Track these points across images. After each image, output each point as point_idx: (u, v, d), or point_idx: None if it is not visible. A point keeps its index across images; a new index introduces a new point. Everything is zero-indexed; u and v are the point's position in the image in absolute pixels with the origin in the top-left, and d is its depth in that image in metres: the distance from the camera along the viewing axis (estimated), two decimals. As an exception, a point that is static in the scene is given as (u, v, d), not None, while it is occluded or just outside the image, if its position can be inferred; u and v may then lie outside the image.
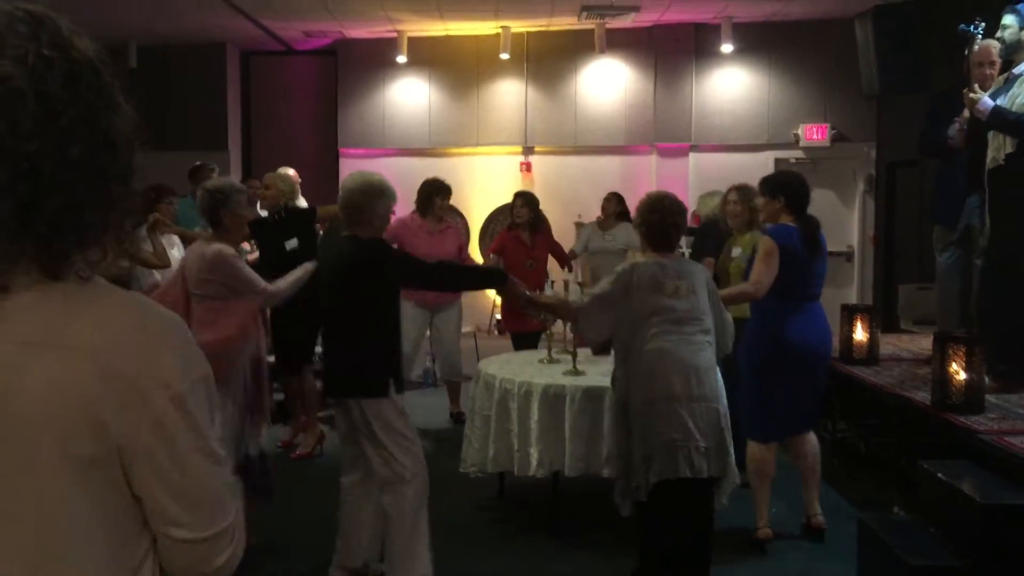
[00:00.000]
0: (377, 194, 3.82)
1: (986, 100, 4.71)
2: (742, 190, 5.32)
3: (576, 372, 4.67)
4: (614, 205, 7.69)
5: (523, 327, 6.61)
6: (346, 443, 3.98)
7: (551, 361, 5.02)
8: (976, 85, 4.83)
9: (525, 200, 7.12)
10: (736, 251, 5.27)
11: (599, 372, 4.67)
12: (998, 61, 5.29)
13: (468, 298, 8.13)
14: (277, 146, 11.12)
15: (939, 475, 3.95)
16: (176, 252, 5.82)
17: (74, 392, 1.08)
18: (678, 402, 3.58)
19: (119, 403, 1.09)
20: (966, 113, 5.12)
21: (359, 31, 10.53)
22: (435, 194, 6.63)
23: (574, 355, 4.79)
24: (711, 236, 6.00)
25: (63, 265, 1.10)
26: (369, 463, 3.81)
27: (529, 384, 4.49)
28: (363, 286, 3.74)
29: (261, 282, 4.11)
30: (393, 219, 4.17)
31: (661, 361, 3.62)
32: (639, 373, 3.67)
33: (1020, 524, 3.48)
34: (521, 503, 5.18)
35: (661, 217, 3.83)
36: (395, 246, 5.67)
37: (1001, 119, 4.66)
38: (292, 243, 5.87)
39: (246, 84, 11.54)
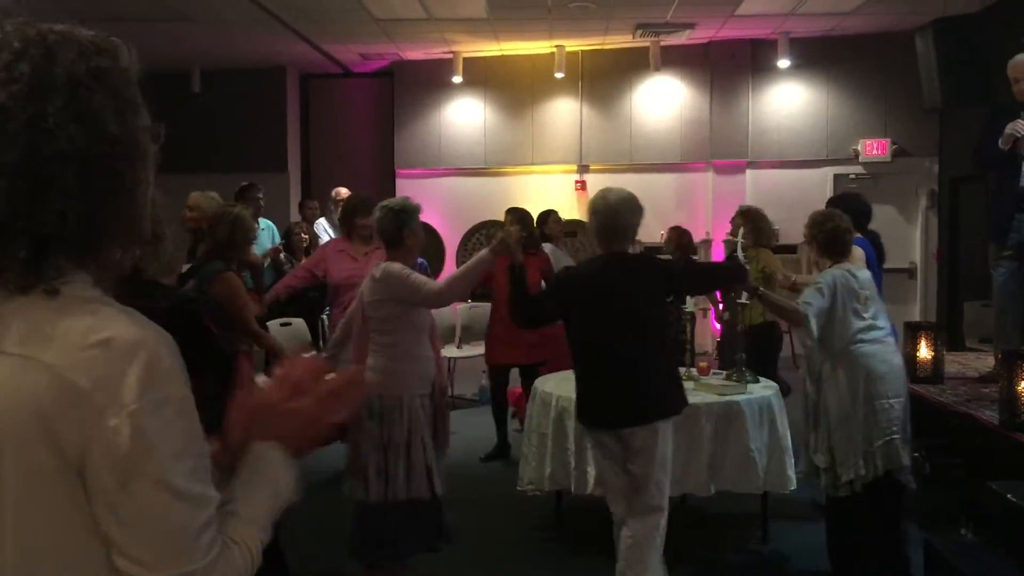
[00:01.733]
0: (637, 209, 3.85)
1: None
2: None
3: None
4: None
5: (509, 359, 6.47)
6: (614, 475, 3.79)
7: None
8: None
9: (515, 217, 6.29)
10: None
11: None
12: None
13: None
14: (335, 167, 11.31)
15: (1008, 496, 3.83)
16: None
17: (29, 403, 1.05)
18: (894, 398, 4.07)
19: (73, 417, 1.05)
20: (1017, 127, 5.03)
21: (415, 52, 10.66)
22: (353, 214, 5.65)
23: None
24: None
25: (21, 278, 1.09)
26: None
27: (586, 401, 4.47)
28: (659, 303, 3.80)
29: (430, 282, 3.97)
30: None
31: (873, 362, 4.06)
32: (854, 375, 4.06)
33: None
34: (578, 522, 5.15)
35: (835, 226, 4.18)
36: (321, 272, 5.62)
37: None
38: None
39: (305, 106, 11.75)
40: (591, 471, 4.41)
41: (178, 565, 1.09)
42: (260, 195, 7.54)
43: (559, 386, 4.83)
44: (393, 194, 11.27)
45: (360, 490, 3.85)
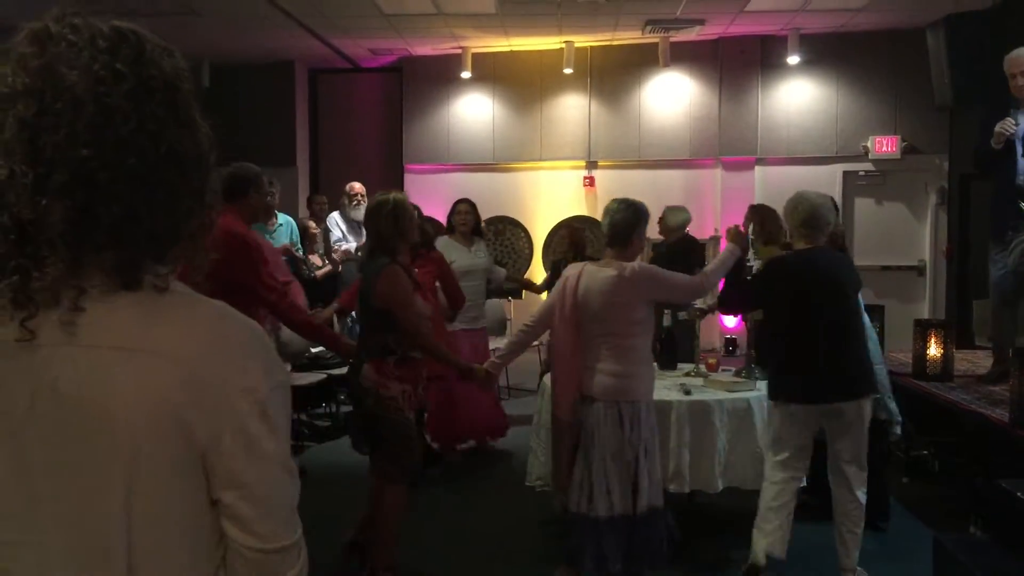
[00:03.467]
0: (831, 210, 4.23)
1: None
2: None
3: None
4: (475, 216, 6.72)
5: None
6: (803, 451, 4.13)
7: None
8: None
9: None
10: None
11: (663, 386, 4.64)
12: None
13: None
14: (344, 162, 11.31)
15: (1018, 494, 3.82)
16: None
17: (161, 396, 1.11)
18: (878, 364, 4.67)
19: (204, 409, 1.12)
20: (1007, 125, 5.03)
21: (424, 48, 10.66)
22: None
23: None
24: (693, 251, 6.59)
25: (132, 275, 1.13)
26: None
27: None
28: (852, 292, 4.12)
29: (685, 277, 4.06)
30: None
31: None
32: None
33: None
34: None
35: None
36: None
37: None
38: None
39: (314, 101, 11.75)
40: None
41: (289, 535, 1.20)
42: (274, 189, 7.55)
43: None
44: (401, 189, 11.28)
45: (581, 503, 3.84)
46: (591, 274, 3.92)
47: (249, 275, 3.95)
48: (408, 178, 11.17)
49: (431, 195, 11.12)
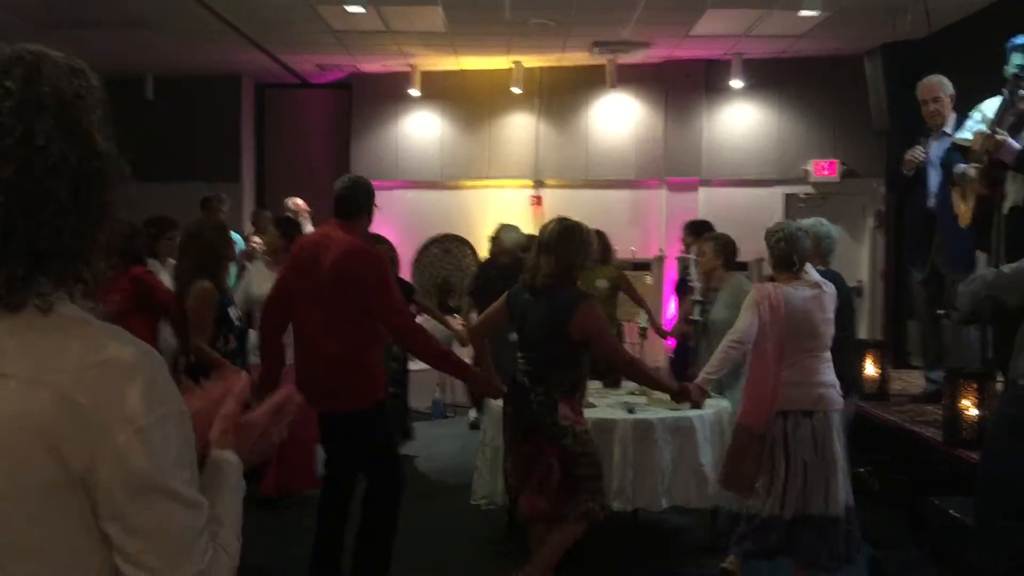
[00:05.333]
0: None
1: (1012, 142, 4.65)
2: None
3: (586, 404, 4.68)
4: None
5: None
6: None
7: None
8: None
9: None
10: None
11: (608, 404, 4.69)
12: (944, 98, 5.35)
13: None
14: (290, 177, 11.21)
15: (951, 512, 3.94)
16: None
17: (35, 424, 1.08)
18: None
19: (79, 435, 1.09)
20: (916, 152, 5.21)
21: (373, 65, 10.66)
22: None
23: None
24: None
25: (11, 296, 1.10)
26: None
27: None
28: None
29: None
30: None
31: None
32: None
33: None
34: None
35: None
36: None
37: None
38: None
39: (260, 116, 11.66)
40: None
41: (183, 569, 1.14)
42: (223, 206, 7.48)
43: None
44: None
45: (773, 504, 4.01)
46: (790, 295, 4.09)
47: (380, 296, 3.93)
48: (355, 194, 11.12)
49: (379, 212, 11.08)
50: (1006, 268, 3.49)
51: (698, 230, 6.75)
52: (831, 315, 4.15)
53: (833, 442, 4.06)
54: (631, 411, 4.65)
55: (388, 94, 10.94)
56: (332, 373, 3.94)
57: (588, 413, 4.51)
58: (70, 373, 1.09)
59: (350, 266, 3.94)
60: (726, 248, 5.53)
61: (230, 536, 1.25)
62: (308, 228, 8.26)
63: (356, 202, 4.11)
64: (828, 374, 4.12)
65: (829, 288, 4.18)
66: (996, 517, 3.22)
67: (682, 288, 6.81)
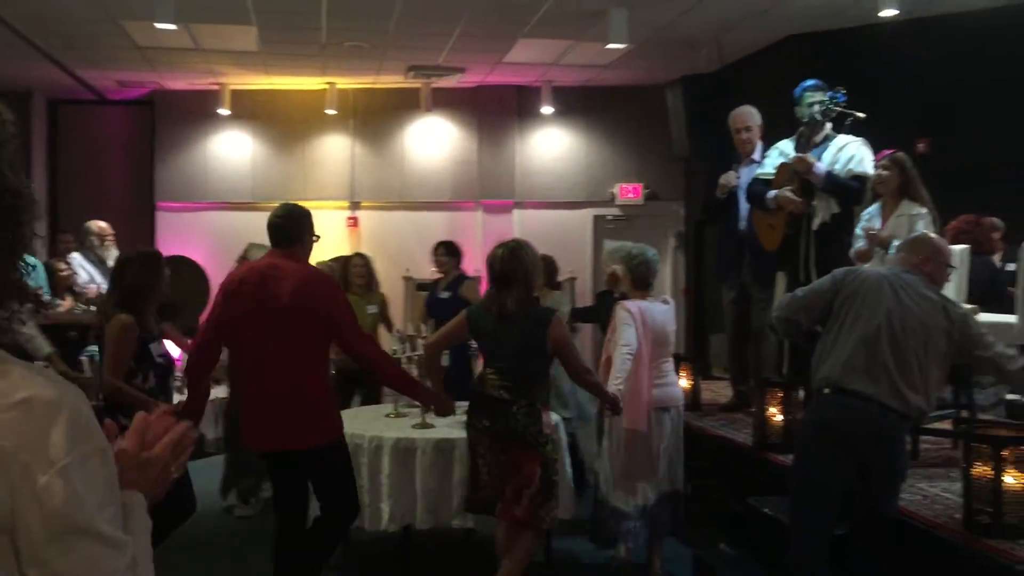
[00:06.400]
0: None
1: (820, 165, 5.16)
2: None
3: (425, 425, 4.74)
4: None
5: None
6: None
7: (398, 415, 5.05)
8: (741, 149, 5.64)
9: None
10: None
11: (446, 424, 4.76)
12: (754, 127, 5.87)
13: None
14: (87, 198, 10.60)
15: (765, 510, 4.27)
16: None
17: None
18: None
19: (1, 479, 1.07)
20: (729, 178, 5.69)
21: (178, 82, 10.29)
22: None
23: (424, 408, 4.85)
24: None
25: None
26: None
27: (380, 438, 4.52)
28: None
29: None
30: None
31: None
32: None
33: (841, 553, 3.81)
34: (367, 559, 5.14)
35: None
36: None
37: (835, 182, 5.13)
38: None
39: (53, 134, 10.97)
40: (385, 507, 4.45)
41: None
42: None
43: (351, 423, 4.80)
44: (152, 228, 10.85)
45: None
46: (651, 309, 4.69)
47: (349, 322, 3.97)
48: (160, 216, 10.70)
49: (186, 234, 10.72)
50: (800, 292, 3.87)
51: (452, 250, 7.14)
52: (675, 326, 4.84)
53: (681, 429, 4.83)
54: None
55: (195, 112, 10.59)
56: (291, 408, 3.85)
57: (429, 433, 4.57)
58: None
59: (316, 292, 3.94)
60: (548, 267, 5.86)
61: (147, 573, 1.23)
62: (113, 253, 7.87)
63: (292, 231, 4.06)
64: (674, 376, 4.92)
65: (672, 303, 4.89)
66: (809, 515, 3.54)
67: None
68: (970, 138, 6.98)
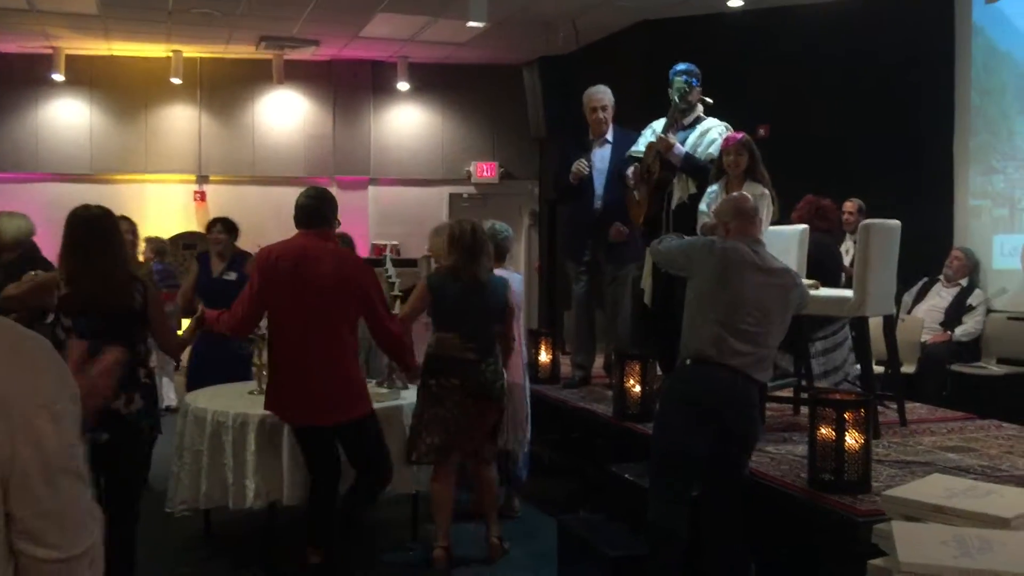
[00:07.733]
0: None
1: (679, 146, 5.37)
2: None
3: (392, 384, 4.82)
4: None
5: None
6: None
7: (262, 392, 4.94)
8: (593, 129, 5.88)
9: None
10: None
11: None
12: (609, 107, 6.05)
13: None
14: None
15: (626, 476, 4.45)
16: None
17: None
18: None
19: (1, 427, 1.10)
20: (581, 166, 5.86)
21: (7, 45, 9.66)
22: None
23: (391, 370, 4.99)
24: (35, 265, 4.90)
25: None
26: None
27: (245, 416, 4.43)
28: None
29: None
30: None
31: None
32: None
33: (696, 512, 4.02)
34: (231, 539, 5.04)
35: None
36: None
37: (692, 164, 5.34)
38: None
39: None
40: (251, 484, 4.37)
41: (82, 542, 1.20)
42: None
43: (212, 401, 4.72)
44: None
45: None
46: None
47: (382, 301, 4.25)
48: (-12, 187, 10.02)
49: (18, 206, 9.91)
50: (683, 241, 4.10)
51: (229, 227, 6.07)
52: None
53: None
54: None
55: (25, 78, 10.00)
56: (329, 384, 4.06)
57: (397, 401, 4.82)
58: None
59: (354, 273, 4.17)
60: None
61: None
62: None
63: (325, 211, 4.22)
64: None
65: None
66: (668, 478, 3.72)
67: None
68: (810, 123, 7.46)
